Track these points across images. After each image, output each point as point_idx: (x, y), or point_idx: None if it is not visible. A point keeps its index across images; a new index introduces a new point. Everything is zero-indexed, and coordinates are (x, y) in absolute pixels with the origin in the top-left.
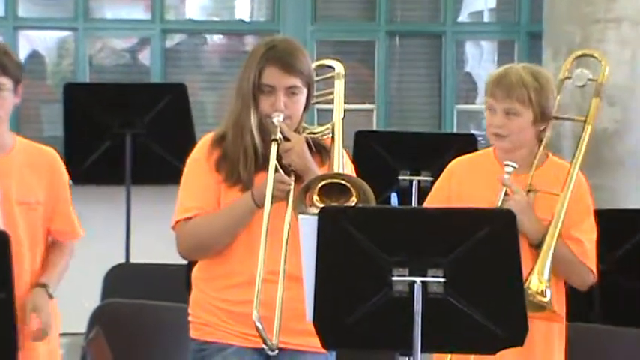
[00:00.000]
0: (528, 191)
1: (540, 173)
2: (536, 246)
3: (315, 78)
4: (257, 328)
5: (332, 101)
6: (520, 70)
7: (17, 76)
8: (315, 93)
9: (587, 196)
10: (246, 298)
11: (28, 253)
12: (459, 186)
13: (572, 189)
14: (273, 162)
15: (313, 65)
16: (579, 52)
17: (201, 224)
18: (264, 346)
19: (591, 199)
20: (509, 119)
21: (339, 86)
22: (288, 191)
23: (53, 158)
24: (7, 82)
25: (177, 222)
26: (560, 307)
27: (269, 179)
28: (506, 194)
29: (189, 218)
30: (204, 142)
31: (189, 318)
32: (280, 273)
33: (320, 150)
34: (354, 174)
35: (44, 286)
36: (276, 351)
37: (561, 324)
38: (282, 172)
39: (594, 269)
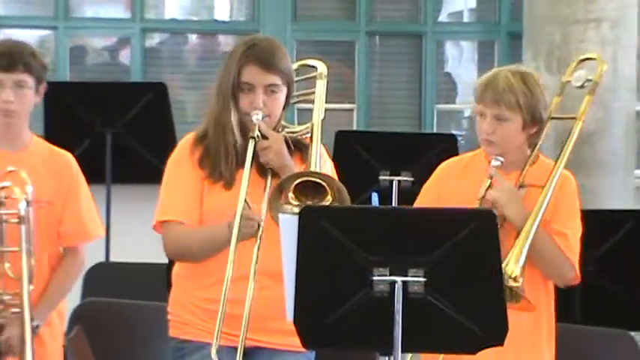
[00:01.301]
0: (520, 187)
1: (531, 172)
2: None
3: (297, 78)
4: None
5: (313, 101)
6: (508, 75)
7: (40, 76)
8: (296, 92)
9: (575, 195)
10: (226, 296)
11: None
12: (449, 186)
13: (560, 185)
14: (249, 160)
15: (296, 65)
16: (583, 57)
17: (182, 241)
18: None
19: (579, 200)
20: (499, 125)
21: (320, 86)
22: (258, 228)
23: (66, 160)
24: (30, 80)
25: (160, 222)
26: (549, 308)
27: (242, 190)
28: (489, 187)
29: (172, 221)
30: (185, 142)
31: (169, 317)
32: (251, 272)
33: (300, 148)
34: (333, 172)
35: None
36: None
37: (550, 324)
38: (259, 170)
39: (577, 267)
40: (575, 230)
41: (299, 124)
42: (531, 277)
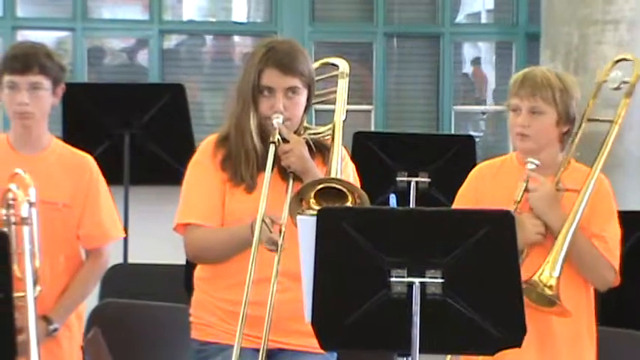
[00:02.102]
0: (556, 190)
1: (565, 177)
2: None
3: (318, 77)
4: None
5: (332, 101)
6: (545, 71)
7: (57, 77)
8: (317, 92)
9: (610, 197)
10: (248, 298)
11: (43, 251)
12: (484, 189)
13: (596, 189)
14: (270, 165)
15: (317, 64)
16: (618, 57)
17: (203, 243)
18: None
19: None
20: (533, 118)
21: (342, 85)
22: (276, 241)
23: (85, 163)
24: (45, 82)
25: (182, 225)
26: (589, 311)
27: (262, 195)
28: (526, 189)
29: (193, 224)
30: (207, 143)
31: (191, 319)
32: (273, 275)
33: (322, 150)
34: (355, 175)
35: (48, 320)
36: None
37: (591, 327)
38: (281, 173)
39: (617, 268)
40: (613, 233)
41: (318, 124)
42: (571, 281)
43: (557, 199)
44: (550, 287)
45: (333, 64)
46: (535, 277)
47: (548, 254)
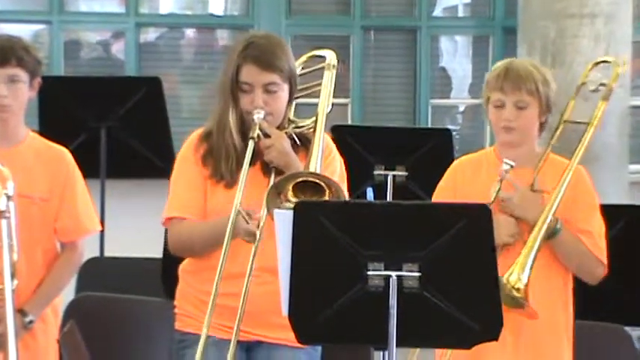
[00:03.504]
0: (534, 191)
1: (542, 171)
2: (546, 238)
3: (305, 71)
4: None
5: (319, 94)
6: (525, 63)
7: (34, 70)
8: (304, 86)
9: (591, 189)
10: (228, 290)
11: (21, 245)
12: (464, 183)
13: (575, 182)
14: (247, 160)
15: (304, 57)
16: (599, 59)
17: (185, 236)
18: None
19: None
20: (519, 112)
21: (328, 77)
22: (253, 232)
23: (61, 156)
24: (23, 74)
25: (168, 219)
26: (566, 307)
27: (239, 188)
28: (500, 190)
29: (177, 218)
30: (192, 138)
31: (175, 310)
32: (248, 268)
33: (306, 144)
34: (342, 168)
35: (23, 313)
36: None
37: (568, 324)
38: (263, 168)
39: (605, 262)
40: (598, 226)
41: (302, 117)
42: (549, 281)
43: (536, 198)
44: (517, 290)
45: (321, 56)
46: (503, 278)
47: (519, 256)
